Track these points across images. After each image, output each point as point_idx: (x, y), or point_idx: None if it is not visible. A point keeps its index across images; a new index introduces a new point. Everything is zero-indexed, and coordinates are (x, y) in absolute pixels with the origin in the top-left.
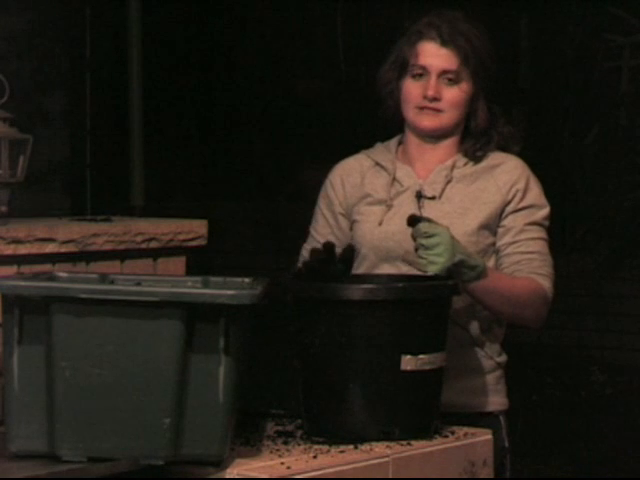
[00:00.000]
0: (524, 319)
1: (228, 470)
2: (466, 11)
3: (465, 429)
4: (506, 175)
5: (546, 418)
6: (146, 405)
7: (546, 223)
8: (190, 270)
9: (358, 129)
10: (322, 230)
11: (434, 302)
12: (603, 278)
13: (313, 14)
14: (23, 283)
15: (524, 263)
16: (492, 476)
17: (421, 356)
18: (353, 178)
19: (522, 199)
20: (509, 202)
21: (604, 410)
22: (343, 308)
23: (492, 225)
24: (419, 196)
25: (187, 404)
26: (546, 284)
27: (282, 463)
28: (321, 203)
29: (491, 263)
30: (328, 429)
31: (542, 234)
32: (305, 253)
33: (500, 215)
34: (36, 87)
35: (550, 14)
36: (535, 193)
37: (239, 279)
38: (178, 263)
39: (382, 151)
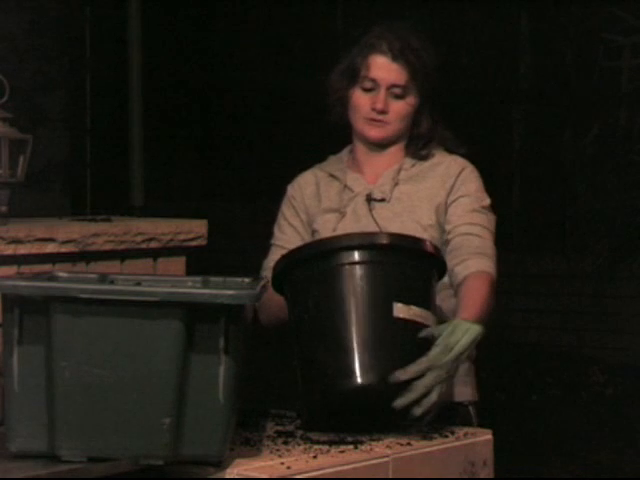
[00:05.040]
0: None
1: (228, 470)
2: (467, 11)
3: (465, 429)
4: (450, 170)
5: (546, 418)
6: (146, 405)
7: (489, 212)
8: (190, 270)
9: (342, 131)
10: (292, 239)
11: (418, 260)
12: (603, 278)
13: (313, 14)
14: (23, 283)
15: (470, 239)
16: (492, 476)
17: (413, 307)
18: (310, 190)
19: (460, 188)
20: (449, 193)
21: (604, 410)
22: (331, 258)
23: (442, 221)
24: (369, 199)
25: (187, 404)
26: (486, 263)
27: (282, 463)
28: (286, 215)
29: None
30: (326, 382)
31: (484, 222)
32: (272, 265)
33: (445, 208)
34: (36, 87)
35: (550, 14)
36: (475, 185)
37: (239, 279)
38: (178, 263)
39: (334, 162)
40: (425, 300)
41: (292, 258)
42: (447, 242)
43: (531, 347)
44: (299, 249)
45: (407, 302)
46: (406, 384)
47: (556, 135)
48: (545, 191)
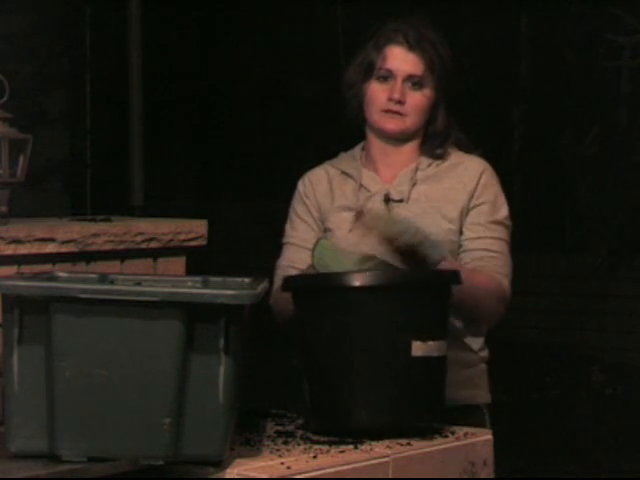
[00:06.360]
0: (478, 313)
1: (228, 470)
2: (467, 11)
3: (465, 429)
4: (470, 171)
5: (546, 418)
6: (146, 405)
7: (508, 223)
8: (190, 270)
9: (358, 129)
10: (305, 236)
11: (435, 289)
12: (603, 278)
13: (313, 14)
14: (23, 283)
15: (487, 260)
16: (492, 476)
17: (430, 342)
18: (322, 187)
19: (483, 194)
20: (471, 197)
21: (604, 410)
22: (346, 295)
23: (460, 224)
24: (387, 200)
25: (187, 404)
26: (505, 283)
27: (282, 463)
28: (298, 211)
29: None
30: (339, 424)
31: (504, 235)
32: (286, 263)
33: (466, 212)
34: (36, 87)
35: (550, 14)
36: (495, 190)
37: (239, 279)
38: (178, 263)
39: (346, 159)
40: (442, 329)
41: (306, 283)
42: (466, 246)
43: (531, 347)
44: (315, 277)
45: (425, 338)
46: (415, 420)
47: (556, 135)
48: (545, 191)
